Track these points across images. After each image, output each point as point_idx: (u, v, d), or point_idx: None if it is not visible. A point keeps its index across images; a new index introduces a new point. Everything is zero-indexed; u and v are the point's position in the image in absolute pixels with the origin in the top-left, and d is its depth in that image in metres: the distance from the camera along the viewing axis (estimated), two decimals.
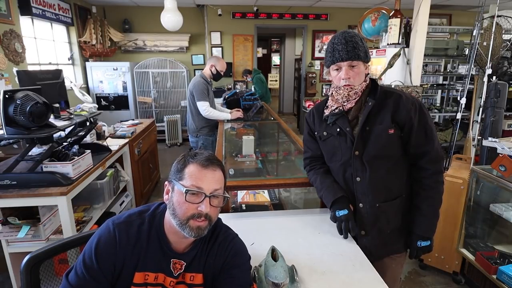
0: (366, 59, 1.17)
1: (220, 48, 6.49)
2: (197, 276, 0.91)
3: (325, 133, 1.29)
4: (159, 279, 0.88)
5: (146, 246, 0.88)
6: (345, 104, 1.22)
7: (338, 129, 1.24)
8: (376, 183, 1.20)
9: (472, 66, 2.93)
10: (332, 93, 1.25)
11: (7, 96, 1.54)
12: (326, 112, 1.28)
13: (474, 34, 2.95)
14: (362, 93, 1.21)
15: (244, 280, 0.91)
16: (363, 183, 1.21)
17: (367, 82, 1.23)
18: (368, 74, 1.24)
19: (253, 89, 5.64)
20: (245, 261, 0.95)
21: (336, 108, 1.24)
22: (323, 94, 7.01)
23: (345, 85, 1.17)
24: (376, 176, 1.20)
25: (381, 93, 1.20)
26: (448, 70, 4.75)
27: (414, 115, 1.16)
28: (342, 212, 1.21)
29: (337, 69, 1.18)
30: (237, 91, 3.85)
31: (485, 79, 2.94)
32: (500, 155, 1.92)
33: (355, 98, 1.20)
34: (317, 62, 6.92)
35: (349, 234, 1.24)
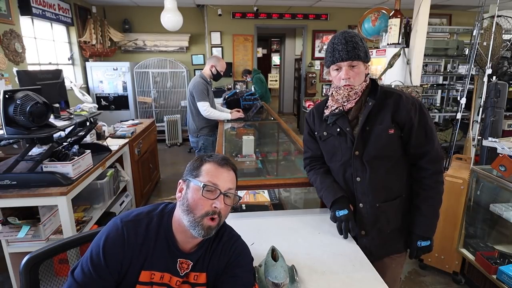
0: (366, 59, 1.17)
1: (220, 48, 6.49)
2: (201, 276, 0.92)
3: (325, 133, 1.29)
4: (165, 278, 0.89)
5: (154, 245, 0.88)
6: (345, 104, 1.22)
7: (338, 129, 1.24)
8: (376, 183, 1.20)
9: (472, 66, 2.94)
10: (332, 93, 1.25)
11: (7, 96, 1.54)
12: (326, 112, 1.28)
13: (474, 34, 2.95)
14: (362, 93, 1.21)
15: (246, 280, 0.92)
16: (363, 183, 1.21)
17: (367, 82, 1.23)
18: (368, 74, 1.24)
19: (253, 89, 5.64)
20: (248, 262, 0.96)
21: (336, 108, 1.24)
22: (323, 94, 7.01)
23: (345, 85, 1.17)
24: (376, 176, 1.20)
25: (381, 93, 1.20)
26: (448, 70, 4.75)
27: (414, 115, 1.16)
28: (342, 212, 1.21)
29: (337, 69, 1.18)
30: (237, 91, 3.85)
31: (485, 79, 2.94)
32: (500, 155, 1.92)
33: (355, 98, 1.20)
34: (317, 62, 6.92)
35: (349, 234, 1.24)
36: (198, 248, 0.92)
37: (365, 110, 1.18)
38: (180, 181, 0.93)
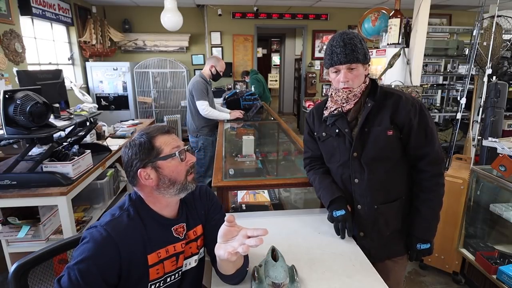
0: (365, 60, 1.15)
1: (220, 48, 6.49)
2: (198, 228, 1.05)
3: (324, 133, 1.29)
4: (170, 250, 0.96)
5: (145, 229, 0.92)
6: (344, 105, 1.21)
7: (337, 130, 1.23)
8: (375, 185, 1.20)
9: (472, 66, 2.93)
10: (331, 94, 1.25)
11: (7, 96, 1.54)
12: (326, 113, 1.27)
13: (474, 34, 2.95)
14: (361, 94, 1.20)
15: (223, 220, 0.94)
16: (361, 185, 1.21)
17: (367, 83, 1.22)
18: (368, 74, 1.23)
19: (253, 89, 5.63)
20: (217, 201, 1.13)
21: (335, 109, 1.23)
22: (323, 94, 7.01)
23: (344, 88, 1.17)
24: (374, 177, 1.19)
25: (381, 93, 1.19)
26: (448, 70, 4.75)
27: (414, 116, 1.15)
28: (339, 213, 1.21)
29: (335, 72, 1.17)
30: (237, 91, 3.85)
31: (485, 79, 2.93)
32: (500, 155, 1.92)
33: (354, 100, 1.20)
34: (317, 62, 6.92)
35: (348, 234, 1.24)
36: (181, 209, 1.02)
37: (364, 111, 1.18)
38: (140, 171, 0.89)
